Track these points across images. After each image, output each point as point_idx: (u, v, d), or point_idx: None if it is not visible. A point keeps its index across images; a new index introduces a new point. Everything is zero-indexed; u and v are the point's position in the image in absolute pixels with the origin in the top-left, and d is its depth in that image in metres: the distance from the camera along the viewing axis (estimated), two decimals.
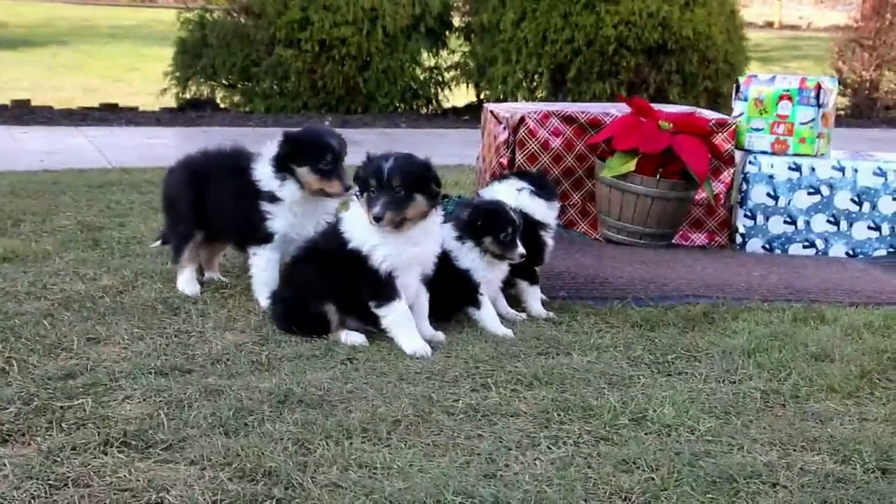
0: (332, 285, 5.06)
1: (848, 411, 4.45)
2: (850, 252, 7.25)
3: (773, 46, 25.39)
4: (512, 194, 5.64)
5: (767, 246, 7.32)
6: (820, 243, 7.29)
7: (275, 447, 3.87)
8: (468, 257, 5.39)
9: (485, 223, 5.36)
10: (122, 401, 4.24)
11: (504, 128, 7.33)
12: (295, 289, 5.15)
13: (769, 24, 31.72)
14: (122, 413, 4.11)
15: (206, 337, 5.06)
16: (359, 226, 5.01)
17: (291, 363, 4.75)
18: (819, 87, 7.30)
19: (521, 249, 5.34)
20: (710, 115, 7.69)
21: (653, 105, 7.42)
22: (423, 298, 5.19)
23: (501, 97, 13.88)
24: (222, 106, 14.40)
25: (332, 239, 5.11)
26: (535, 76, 14.32)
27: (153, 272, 6.02)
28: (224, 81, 14.34)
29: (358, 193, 5.03)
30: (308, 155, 5.34)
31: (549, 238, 5.76)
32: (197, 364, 4.69)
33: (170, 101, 14.25)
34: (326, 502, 3.50)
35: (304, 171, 5.35)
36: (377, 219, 4.87)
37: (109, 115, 13.47)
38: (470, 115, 14.23)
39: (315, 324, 5.07)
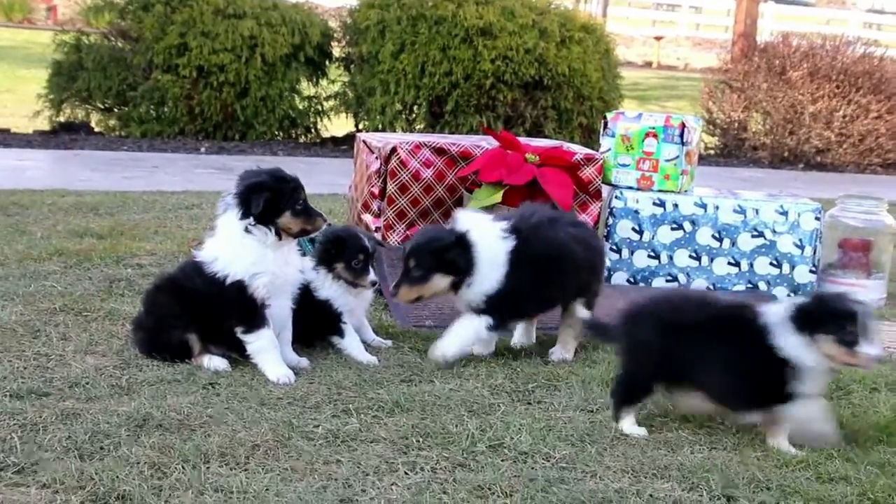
0: (196, 315, 5.05)
1: (699, 440, 4.57)
2: (711, 287, 7.44)
3: (651, 86, 25.91)
4: None
5: (632, 279, 7.48)
6: (682, 278, 7.46)
7: (130, 471, 3.87)
8: (325, 286, 5.42)
9: (337, 250, 5.41)
10: None
11: (376, 157, 7.38)
12: (156, 317, 5.13)
13: (648, 64, 32.35)
14: None
15: (65, 360, 5.01)
16: (241, 256, 4.99)
17: (152, 387, 4.73)
18: (683, 126, 7.49)
19: (372, 276, 5.38)
20: (578, 149, 7.83)
21: (521, 139, 7.53)
22: (289, 325, 5.22)
23: (380, 127, 13.94)
24: (97, 130, 14.22)
25: (198, 271, 5.06)
26: (414, 108, 14.42)
27: (14, 294, 5.94)
28: (99, 105, 14.16)
29: (249, 217, 5.00)
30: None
31: None
32: (55, 387, 4.65)
33: (43, 124, 14.03)
34: None
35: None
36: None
37: None
38: (348, 145, 14.23)
39: (177, 350, 5.06)
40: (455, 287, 5.28)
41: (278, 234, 5.03)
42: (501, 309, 5.33)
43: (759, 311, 4.53)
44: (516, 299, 5.34)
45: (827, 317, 4.36)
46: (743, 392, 4.52)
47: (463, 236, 5.24)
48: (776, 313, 4.47)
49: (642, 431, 4.60)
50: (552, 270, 5.40)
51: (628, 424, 4.63)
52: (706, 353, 4.53)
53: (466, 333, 5.32)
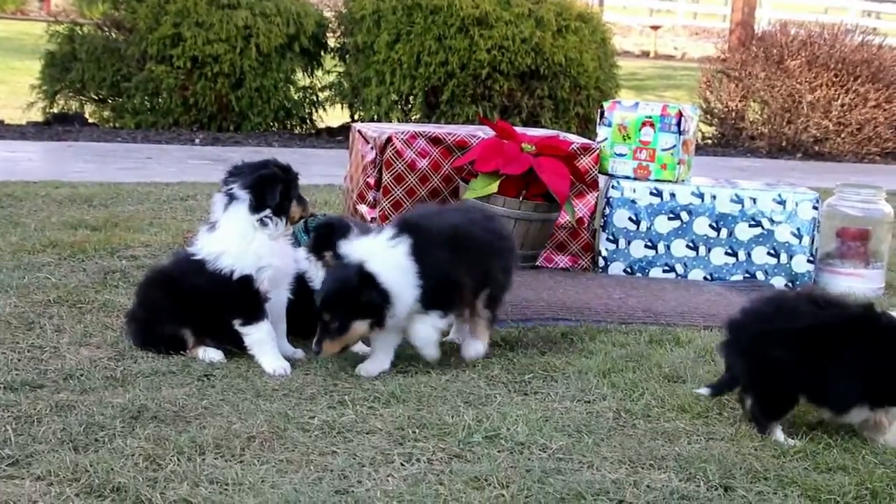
0: (191, 311, 5.02)
1: (696, 430, 4.55)
2: (708, 277, 7.42)
3: (648, 75, 25.89)
4: None
5: (629, 269, 7.46)
6: (679, 268, 7.44)
7: (125, 463, 3.85)
8: (319, 276, 5.37)
9: (326, 237, 5.36)
10: None
11: (371, 148, 7.36)
12: (150, 311, 5.10)
13: (645, 54, 32.31)
14: None
15: (60, 352, 4.99)
16: (247, 250, 4.95)
17: (147, 379, 4.71)
18: (680, 115, 7.46)
19: None
20: (575, 139, 7.82)
21: (517, 128, 7.51)
22: (284, 316, 5.22)
23: (375, 118, 13.89)
24: (91, 121, 14.19)
25: (198, 269, 5.00)
26: (410, 98, 14.39)
27: (8, 286, 5.91)
28: (93, 96, 14.14)
29: (263, 209, 4.98)
30: None
31: None
32: (49, 379, 4.63)
33: (37, 116, 13.99)
34: None
35: None
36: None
37: None
38: (343, 136, 14.21)
39: (171, 343, 5.04)
40: (376, 324, 4.97)
41: (286, 224, 5.07)
42: (436, 300, 5.07)
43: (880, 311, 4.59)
44: (442, 286, 5.07)
45: None
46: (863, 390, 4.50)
47: (364, 271, 4.91)
48: None
49: (796, 443, 4.47)
50: (457, 250, 5.14)
51: (779, 436, 4.53)
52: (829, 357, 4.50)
53: (429, 335, 5.10)
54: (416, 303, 5.01)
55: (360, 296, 4.87)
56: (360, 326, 4.94)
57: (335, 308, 4.90)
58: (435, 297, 5.05)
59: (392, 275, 4.92)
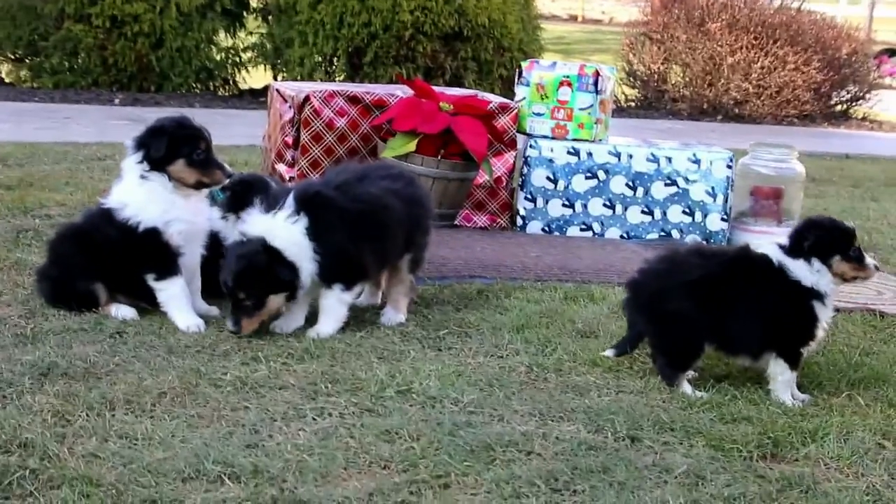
0: (103, 265, 4.98)
1: (607, 384, 4.61)
2: (625, 235, 7.50)
3: (576, 39, 25.96)
4: None
5: (547, 228, 7.51)
6: (597, 226, 7.51)
7: (33, 419, 3.83)
8: (234, 234, 5.33)
9: (245, 194, 5.33)
10: None
11: (289, 106, 7.34)
12: (61, 267, 5.05)
13: (573, 18, 32.37)
14: None
15: None
16: (151, 201, 4.92)
17: (58, 336, 4.68)
18: (597, 74, 7.52)
19: None
20: (493, 98, 7.84)
21: (436, 88, 7.53)
22: (198, 273, 5.19)
23: (299, 79, 13.81)
24: (7, 81, 13.97)
25: (108, 219, 4.98)
26: (333, 59, 14.32)
27: None
28: (9, 55, 13.92)
29: (149, 165, 4.92)
30: None
31: None
32: None
33: None
34: (82, 472, 3.48)
35: None
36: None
37: None
38: (266, 98, 14.14)
39: (83, 300, 5.00)
40: (291, 296, 4.97)
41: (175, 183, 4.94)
42: (336, 275, 5.04)
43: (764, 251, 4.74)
44: (339, 263, 5.02)
45: (835, 238, 4.67)
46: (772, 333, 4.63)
47: (268, 247, 4.86)
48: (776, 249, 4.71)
49: (703, 395, 4.54)
50: (368, 224, 5.10)
51: (686, 388, 4.60)
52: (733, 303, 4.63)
53: (334, 308, 5.06)
54: (315, 276, 4.98)
55: (272, 272, 4.85)
56: (276, 300, 4.93)
57: (249, 286, 4.86)
58: (333, 272, 5.03)
59: (292, 250, 4.90)
